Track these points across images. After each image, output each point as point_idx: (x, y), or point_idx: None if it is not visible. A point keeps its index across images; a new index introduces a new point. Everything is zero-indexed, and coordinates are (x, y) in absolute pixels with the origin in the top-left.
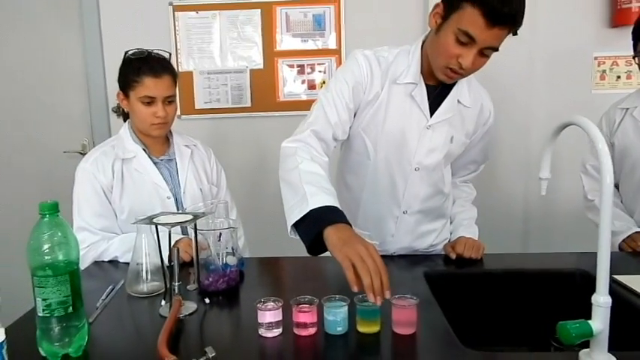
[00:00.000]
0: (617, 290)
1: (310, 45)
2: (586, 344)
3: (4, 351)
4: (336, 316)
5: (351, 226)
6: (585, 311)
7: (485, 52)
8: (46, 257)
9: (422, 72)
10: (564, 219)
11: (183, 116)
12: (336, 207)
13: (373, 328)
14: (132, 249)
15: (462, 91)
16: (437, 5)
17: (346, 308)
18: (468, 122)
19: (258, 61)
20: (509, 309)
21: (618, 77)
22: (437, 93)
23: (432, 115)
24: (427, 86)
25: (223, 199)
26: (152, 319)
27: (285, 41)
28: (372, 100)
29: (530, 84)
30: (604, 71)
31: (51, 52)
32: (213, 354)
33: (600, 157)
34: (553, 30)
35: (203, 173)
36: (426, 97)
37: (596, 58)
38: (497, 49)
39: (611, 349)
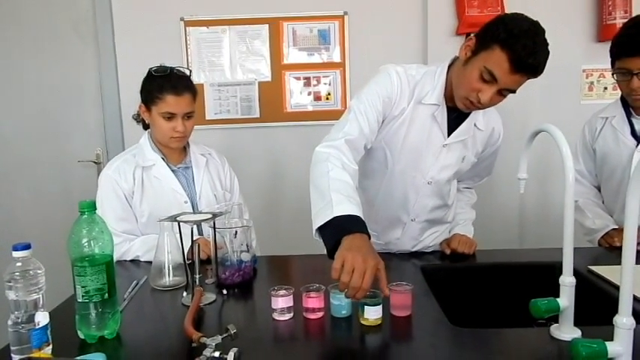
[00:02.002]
0: (591, 279)
1: (316, 58)
2: None
3: (48, 332)
4: (341, 301)
5: (369, 237)
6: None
7: (503, 92)
8: (85, 249)
9: (444, 94)
10: (557, 220)
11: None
12: (358, 217)
13: (376, 321)
14: (152, 249)
15: (478, 115)
16: (469, 38)
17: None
18: (478, 143)
19: (266, 73)
20: (498, 298)
21: (605, 88)
22: (455, 115)
23: (448, 134)
24: (447, 108)
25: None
26: (175, 308)
27: (292, 55)
28: (398, 115)
29: (525, 95)
30: (592, 83)
31: (67, 66)
32: (235, 330)
33: (564, 160)
34: None
35: (217, 180)
36: (446, 119)
37: (584, 71)
38: (514, 92)
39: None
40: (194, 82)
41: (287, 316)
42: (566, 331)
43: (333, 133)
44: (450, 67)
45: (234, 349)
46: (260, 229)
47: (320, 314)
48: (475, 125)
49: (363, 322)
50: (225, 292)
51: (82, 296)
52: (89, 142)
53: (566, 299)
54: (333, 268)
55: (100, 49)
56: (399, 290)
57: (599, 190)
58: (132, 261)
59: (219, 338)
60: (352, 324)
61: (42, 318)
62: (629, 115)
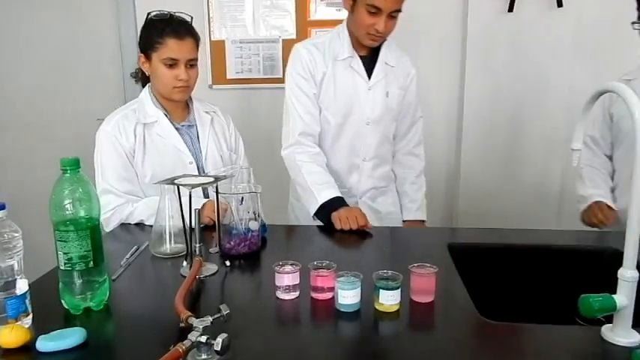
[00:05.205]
0: None
1: (345, 14)
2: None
3: (27, 301)
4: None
5: (347, 205)
6: (613, 291)
7: (393, 15)
8: (68, 212)
9: (353, 47)
10: None
11: (214, 86)
12: (337, 196)
13: (392, 307)
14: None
15: (387, 55)
16: None
17: (359, 290)
18: (397, 77)
19: (291, 30)
20: (534, 285)
21: None
22: (368, 61)
23: (369, 79)
24: (360, 57)
25: (241, 164)
26: (174, 278)
27: (320, 10)
28: (322, 78)
29: (572, 59)
30: None
31: (85, 22)
32: (227, 311)
33: (635, 126)
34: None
35: (223, 140)
36: (362, 66)
37: None
38: (400, 11)
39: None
40: (215, 39)
41: (292, 295)
42: (623, 334)
43: (285, 134)
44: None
45: (223, 336)
46: (271, 198)
47: (329, 295)
48: (387, 64)
49: (377, 307)
50: (228, 263)
51: (65, 263)
52: (108, 99)
53: (624, 297)
54: (335, 223)
55: (118, 2)
56: (421, 273)
57: (611, 160)
58: (136, 224)
59: (208, 320)
60: (365, 309)
61: (20, 285)
62: None
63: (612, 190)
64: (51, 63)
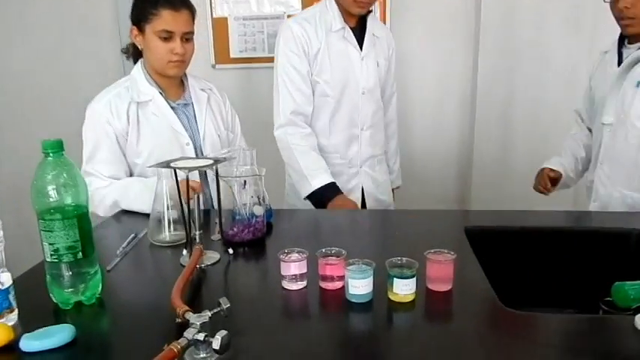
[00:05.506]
0: None
1: None
2: None
3: (11, 296)
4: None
5: (341, 192)
6: (639, 275)
7: None
8: (52, 200)
9: (343, 18)
10: None
11: (217, 66)
12: (331, 183)
13: (407, 297)
14: (132, 195)
15: (373, 26)
16: None
17: (371, 279)
18: (383, 47)
19: (296, 6)
20: (556, 269)
21: None
22: (357, 33)
23: (360, 49)
24: (350, 29)
25: (238, 145)
26: (173, 268)
27: None
28: (316, 53)
29: (592, 30)
30: None
31: (81, 3)
32: (227, 305)
33: None
34: None
35: (220, 119)
36: (354, 37)
37: None
38: None
39: None
40: (218, 16)
41: (299, 285)
42: None
43: (276, 113)
44: None
45: (222, 333)
46: (274, 181)
47: (339, 284)
48: (374, 35)
49: (391, 297)
50: (231, 251)
51: (51, 255)
52: (108, 80)
53: None
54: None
55: None
56: (438, 259)
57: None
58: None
59: (207, 315)
60: (378, 299)
61: (3, 279)
62: (620, 47)
63: (587, 163)
64: (45, 44)
